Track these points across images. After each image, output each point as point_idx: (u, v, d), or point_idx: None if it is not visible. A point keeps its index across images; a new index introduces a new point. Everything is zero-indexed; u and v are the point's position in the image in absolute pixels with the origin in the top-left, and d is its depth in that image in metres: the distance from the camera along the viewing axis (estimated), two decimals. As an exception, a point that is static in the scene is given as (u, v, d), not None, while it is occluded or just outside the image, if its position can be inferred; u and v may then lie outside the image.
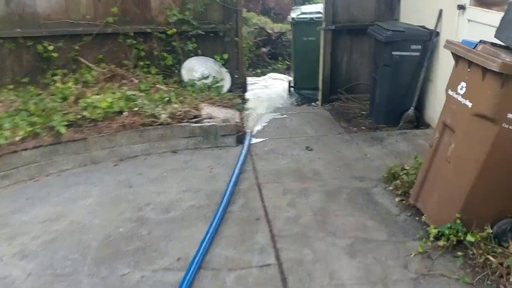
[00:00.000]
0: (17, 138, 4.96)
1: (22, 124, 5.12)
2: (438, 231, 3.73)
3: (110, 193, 4.76)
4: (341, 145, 5.86)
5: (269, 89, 9.97)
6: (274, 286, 3.38)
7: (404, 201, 4.38)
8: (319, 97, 7.92)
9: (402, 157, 5.27)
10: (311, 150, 5.69)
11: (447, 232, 3.65)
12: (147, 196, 4.67)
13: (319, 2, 9.01)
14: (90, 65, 6.85)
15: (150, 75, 6.98)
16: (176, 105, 5.90)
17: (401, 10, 7.41)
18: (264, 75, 11.45)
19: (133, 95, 5.95)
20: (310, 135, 6.24)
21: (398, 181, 4.62)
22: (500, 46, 3.56)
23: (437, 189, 3.86)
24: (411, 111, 6.39)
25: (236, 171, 5.02)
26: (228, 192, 4.57)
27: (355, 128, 6.53)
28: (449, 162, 3.73)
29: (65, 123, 5.20)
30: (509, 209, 3.61)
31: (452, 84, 3.82)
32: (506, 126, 3.34)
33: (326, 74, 7.67)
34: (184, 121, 5.78)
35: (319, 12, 8.69)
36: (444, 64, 6.07)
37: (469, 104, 3.54)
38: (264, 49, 12.30)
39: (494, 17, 4.92)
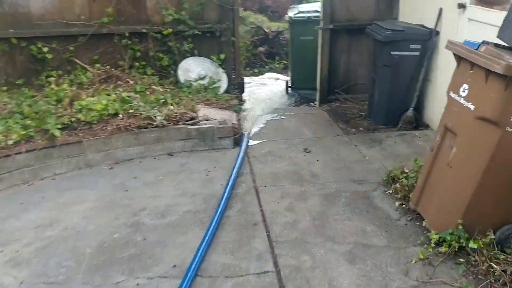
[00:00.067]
0: (10, 142, 4.87)
1: (16, 127, 5.02)
2: (440, 237, 3.66)
3: (105, 198, 4.67)
4: (339, 147, 5.77)
5: (267, 89, 9.88)
6: (272, 294, 3.30)
7: (404, 205, 4.31)
8: (317, 97, 7.84)
9: (401, 159, 5.19)
10: (309, 152, 5.61)
11: (448, 238, 3.57)
12: (143, 201, 4.59)
13: (317, 1, 8.90)
14: (85, 66, 6.74)
15: (145, 76, 6.88)
16: (172, 107, 5.82)
17: (400, 8, 7.33)
18: (262, 74, 11.36)
19: (129, 96, 5.86)
20: (308, 136, 6.16)
21: (397, 185, 4.54)
22: (503, 47, 3.47)
23: (438, 194, 3.79)
24: (410, 112, 6.32)
25: (233, 174, 4.94)
26: (225, 196, 4.49)
27: (353, 129, 6.44)
28: (451, 166, 3.65)
29: (59, 126, 5.11)
30: (512, 214, 3.54)
31: (454, 86, 3.73)
32: (510, 129, 3.26)
33: (324, 74, 7.58)
34: (180, 123, 5.69)
35: (317, 11, 8.59)
36: (444, 64, 6.00)
37: (472, 107, 3.46)
38: (261, 49, 12.20)
39: (496, 16, 4.86)
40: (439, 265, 3.51)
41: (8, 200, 4.67)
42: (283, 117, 7.06)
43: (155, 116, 5.54)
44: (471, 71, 3.50)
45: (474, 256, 3.47)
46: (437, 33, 6.13)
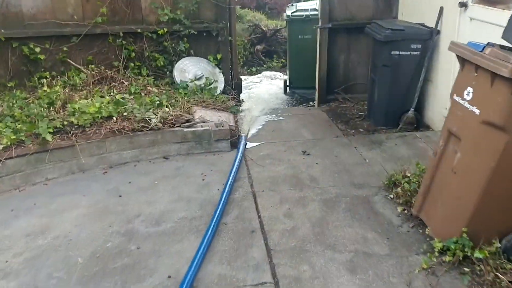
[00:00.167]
0: (0, 147, 4.74)
1: (6, 131, 4.89)
2: (443, 245, 3.52)
3: (98, 204, 4.54)
4: (339, 149, 5.64)
5: (265, 88, 9.78)
6: (271, 307, 3.18)
7: (406, 211, 4.18)
8: (316, 97, 7.72)
9: (402, 162, 5.05)
10: (308, 154, 5.49)
11: (452, 246, 3.44)
12: (137, 207, 4.46)
13: (315, -1, 8.83)
14: (79, 67, 6.62)
15: (141, 76, 6.77)
16: (167, 109, 5.69)
17: (399, 7, 7.21)
18: (259, 73, 11.27)
19: (123, 98, 5.73)
20: (307, 138, 6.03)
21: (399, 189, 4.41)
22: (510, 49, 3.33)
23: (442, 200, 3.66)
24: (410, 112, 6.20)
25: (230, 178, 4.81)
26: (221, 202, 4.36)
27: (353, 131, 6.32)
28: (455, 172, 3.52)
29: (51, 130, 4.96)
30: (518, 221, 3.41)
31: (458, 89, 3.60)
32: (517, 135, 3.13)
33: (323, 74, 7.46)
34: (176, 125, 5.56)
35: (315, 9, 8.51)
36: (444, 64, 5.89)
37: (477, 111, 3.33)
38: (258, 47, 12.09)
39: (499, 15, 4.74)
40: (443, 275, 3.38)
41: (-2, 206, 4.54)
42: (281, 118, 6.94)
43: (150, 119, 5.40)
44: (476, 74, 3.37)
45: (479, 266, 3.34)
46: (438, 32, 6.01)
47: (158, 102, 5.75)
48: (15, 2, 6.22)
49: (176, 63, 6.96)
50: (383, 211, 4.23)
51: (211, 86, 6.79)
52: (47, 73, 6.53)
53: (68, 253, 3.78)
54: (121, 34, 6.71)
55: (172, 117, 5.58)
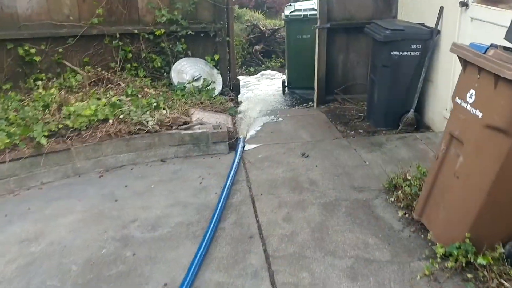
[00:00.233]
0: (-6, 151, 4.66)
1: (0, 134, 4.80)
2: (446, 251, 3.45)
3: (93, 209, 4.46)
4: (338, 151, 5.56)
5: (263, 89, 9.70)
6: (269, 316, 3.10)
7: (407, 215, 4.10)
8: (315, 98, 7.64)
9: (403, 164, 4.96)
10: (307, 157, 5.40)
11: (455, 252, 3.36)
12: (133, 212, 4.37)
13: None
14: (75, 68, 6.53)
15: (137, 78, 6.68)
16: (164, 111, 5.61)
17: (399, 7, 7.13)
18: (258, 73, 11.19)
19: (119, 100, 5.64)
20: (306, 140, 5.95)
21: (400, 192, 4.33)
22: (513, 51, 3.26)
23: (444, 205, 3.58)
24: (411, 113, 6.12)
25: (228, 182, 4.73)
26: (219, 207, 4.28)
27: (352, 132, 6.24)
28: (458, 176, 3.44)
29: (46, 133, 4.88)
30: (522, 227, 3.34)
31: (460, 92, 3.52)
32: (521, 139, 3.05)
33: (322, 75, 7.38)
34: (173, 128, 5.48)
35: (314, 9, 8.43)
36: (445, 64, 5.82)
37: (480, 114, 3.25)
38: (257, 47, 12.00)
39: (500, 15, 4.67)
40: (446, 281, 3.30)
41: (-8, 211, 4.46)
42: (280, 119, 6.85)
43: (146, 121, 5.32)
44: (479, 76, 3.29)
45: (482, 272, 3.26)
46: (438, 32, 5.93)
47: (155, 104, 5.67)
48: (10, 3, 6.13)
49: (173, 64, 6.88)
50: (384, 215, 4.15)
51: (208, 87, 6.71)
52: (43, 74, 6.44)
53: (62, 260, 3.70)
54: (118, 35, 6.62)
55: (169, 119, 5.50)
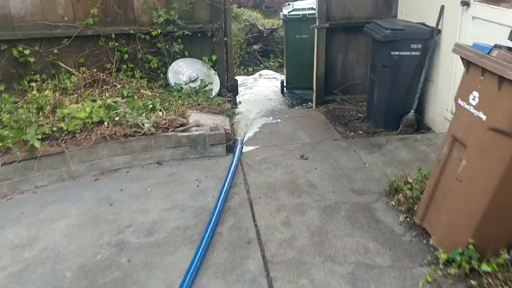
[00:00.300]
0: (-14, 154, 4.56)
1: (-7, 137, 4.72)
2: (448, 256, 3.36)
3: (88, 213, 4.36)
4: (338, 152, 5.48)
5: (261, 89, 9.60)
6: (268, 325, 3.02)
7: (408, 219, 4.02)
8: (313, 98, 7.55)
9: (403, 166, 4.88)
10: (306, 159, 5.32)
11: (458, 258, 3.28)
12: (129, 216, 4.28)
13: (312, -3, 8.66)
14: (70, 69, 6.44)
15: (134, 79, 6.58)
16: (161, 113, 5.51)
17: (399, 6, 7.04)
18: (256, 73, 11.10)
19: (115, 102, 5.55)
20: (305, 141, 5.86)
21: (401, 196, 4.24)
22: (518, 51, 3.17)
23: (447, 209, 3.50)
24: (411, 114, 6.03)
25: (226, 185, 4.64)
26: (216, 211, 4.19)
27: (352, 133, 6.15)
28: (460, 180, 3.36)
29: (40, 136, 4.78)
30: (527, 232, 3.25)
31: (462, 93, 3.43)
32: (526, 142, 2.96)
33: (321, 75, 7.29)
34: (170, 130, 5.39)
35: (312, 8, 8.34)
36: (446, 64, 5.74)
37: (483, 117, 3.16)
38: (255, 47, 11.92)
39: (503, 14, 4.59)
40: (449, 288, 3.22)
41: (-16, 216, 4.36)
42: (278, 120, 6.76)
43: (142, 123, 5.23)
44: (482, 78, 3.21)
45: (487, 279, 3.17)
46: (439, 31, 5.85)
47: (151, 105, 5.57)
48: (3, 3, 6.03)
49: (170, 65, 6.78)
50: (385, 219, 4.07)
51: (206, 88, 6.61)
52: (38, 76, 6.34)
53: (55, 267, 3.61)
54: (113, 36, 6.53)
55: (165, 121, 5.41)
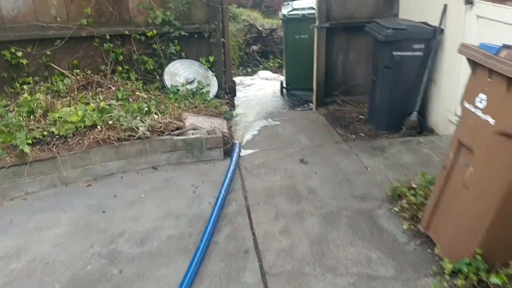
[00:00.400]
0: (-26, 160, 4.40)
1: (-18, 142, 4.56)
2: (455, 267, 3.20)
3: (79, 221, 4.20)
4: (338, 156, 5.31)
5: (260, 90, 9.45)
6: None
7: (412, 226, 3.85)
8: (314, 100, 7.39)
9: (406, 170, 4.74)
10: (306, 163, 5.15)
11: (465, 269, 3.11)
12: (121, 224, 4.13)
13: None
14: (64, 71, 6.28)
15: (129, 81, 6.42)
16: (156, 116, 5.36)
17: (400, 5, 6.88)
18: (255, 74, 10.95)
19: (109, 105, 5.40)
20: (305, 144, 5.71)
21: (404, 202, 4.09)
22: (527, 51, 3.00)
23: (453, 217, 3.33)
24: (414, 116, 5.87)
25: (223, 191, 4.48)
26: (213, 218, 4.03)
27: (353, 136, 5.99)
28: (467, 187, 3.19)
29: (30, 141, 4.62)
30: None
31: (469, 96, 3.27)
32: (537, 147, 2.80)
33: (321, 76, 7.13)
34: (165, 133, 5.23)
35: (312, 8, 8.18)
36: (449, 64, 5.59)
37: (491, 121, 3.00)
38: (254, 47, 11.76)
39: (508, 13, 4.43)
40: (456, 301, 3.06)
41: (-28, 225, 4.20)
42: (277, 122, 6.61)
43: (137, 127, 5.06)
44: (490, 79, 3.05)
45: (496, 291, 3.01)
46: (442, 31, 5.69)
47: (146, 108, 5.41)
48: (-6, 4, 5.88)
49: (166, 67, 6.62)
50: (388, 227, 3.90)
51: (203, 90, 6.46)
52: (30, 78, 6.19)
53: (44, 278, 3.46)
54: (108, 37, 6.37)
55: (161, 124, 5.25)
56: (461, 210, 3.26)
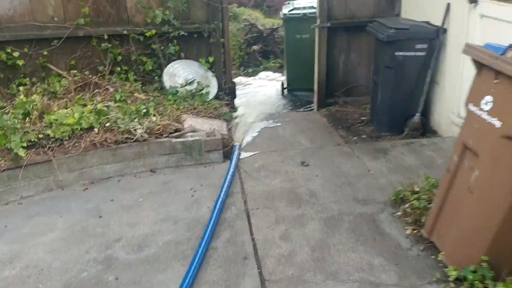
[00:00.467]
0: (-32, 163, 4.31)
1: (-25, 146, 4.47)
2: (459, 274, 3.10)
3: (75, 226, 4.12)
4: (340, 158, 5.22)
5: (261, 91, 9.37)
6: None
7: (415, 231, 3.76)
8: (315, 101, 7.30)
9: (409, 173, 4.64)
10: (307, 165, 5.06)
11: (470, 277, 3.02)
12: (118, 229, 4.04)
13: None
14: (61, 72, 6.18)
15: (127, 82, 6.31)
16: (154, 118, 5.26)
17: (402, 4, 6.78)
18: (256, 74, 10.87)
19: (107, 106, 5.31)
20: (306, 146, 5.61)
21: (407, 206, 3.99)
22: (534, 52, 2.91)
23: (457, 223, 3.24)
24: (416, 117, 5.77)
25: (222, 195, 4.39)
26: (211, 223, 3.94)
27: (355, 137, 5.89)
28: (472, 192, 3.10)
29: (25, 144, 4.54)
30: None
31: (474, 98, 3.18)
32: (545, 151, 2.71)
33: (322, 77, 7.04)
34: (164, 136, 5.14)
35: (313, 7, 8.09)
36: (452, 65, 5.49)
37: (497, 124, 2.91)
38: (255, 47, 11.65)
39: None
40: (461, 310, 2.97)
41: (-34, 230, 4.12)
42: (278, 123, 6.50)
43: (134, 129, 4.98)
44: (496, 81, 2.95)
45: (502, 300, 2.92)
46: (445, 31, 5.58)
47: (144, 110, 5.32)
48: (-9, 3, 5.79)
49: (165, 67, 6.52)
50: (390, 232, 3.81)
51: (202, 91, 6.36)
52: (27, 79, 6.09)
53: (38, 286, 3.39)
54: (106, 37, 6.27)
55: (159, 126, 5.16)
56: (466, 215, 3.17)
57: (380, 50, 5.87)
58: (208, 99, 6.35)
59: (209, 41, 6.70)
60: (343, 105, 7.03)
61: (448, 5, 5.49)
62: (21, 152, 4.43)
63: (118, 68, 6.43)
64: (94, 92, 5.87)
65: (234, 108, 6.97)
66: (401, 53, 5.60)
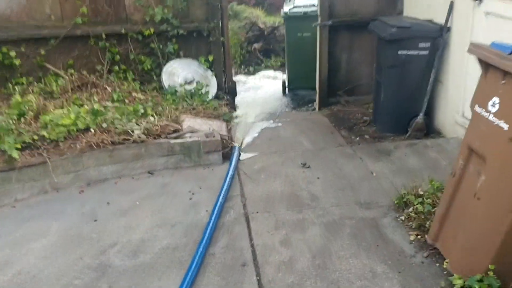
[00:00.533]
0: (-40, 166, 4.21)
1: (-31, 147, 4.36)
2: (465, 283, 2.98)
3: (70, 230, 4.02)
4: (342, 160, 5.11)
5: (261, 90, 9.27)
6: None
7: (419, 236, 3.65)
8: (316, 100, 7.19)
9: (413, 175, 4.51)
10: (308, 167, 4.95)
11: (476, 286, 2.90)
12: (114, 233, 3.94)
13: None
14: (58, 71, 6.08)
15: (126, 81, 6.20)
16: (152, 118, 5.16)
17: (404, 2, 6.66)
18: (257, 73, 10.76)
19: (105, 107, 5.20)
20: (307, 148, 5.50)
21: (411, 210, 3.88)
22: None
23: (463, 229, 3.12)
24: (420, 118, 5.65)
25: (220, 198, 4.28)
26: (209, 228, 3.83)
27: (357, 138, 5.78)
28: (479, 198, 2.98)
29: (19, 145, 4.43)
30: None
31: (480, 99, 3.06)
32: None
33: (324, 75, 6.92)
34: (162, 137, 5.03)
35: (314, 5, 7.98)
36: (456, 64, 5.38)
37: (505, 126, 2.79)
38: (256, 45, 11.54)
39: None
40: (467, 320, 2.85)
41: (-42, 234, 4.02)
42: (279, 124, 6.40)
43: (132, 130, 4.87)
44: (503, 82, 2.83)
45: (510, 311, 2.81)
46: (448, 29, 5.46)
47: (142, 111, 5.21)
48: (-14, 3, 5.69)
49: (164, 66, 6.41)
50: (393, 237, 3.70)
51: (202, 91, 6.24)
52: (24, 79, 6.00)
53: (29, 294, 3.27)
54: (104, 36, 6.17)
55: (157, 127, 5.05)
56: (472, 221, 3.05)
57: (383, 49, 5.75)
58: (208, 99, 6.24)
59: (209, 40, 6.60)
60: (345, 105, 6.93)
61: (452, 2, 5.36)
62: (15, 154, 4.33)
63: (116, 68, 6.33)
64: (92, 91, 5.77)
65: (234, 108, 6.86)
66: (404, 52, 5.49)
